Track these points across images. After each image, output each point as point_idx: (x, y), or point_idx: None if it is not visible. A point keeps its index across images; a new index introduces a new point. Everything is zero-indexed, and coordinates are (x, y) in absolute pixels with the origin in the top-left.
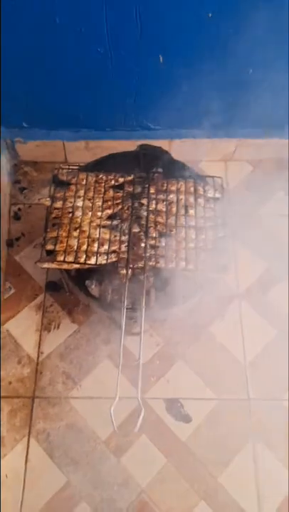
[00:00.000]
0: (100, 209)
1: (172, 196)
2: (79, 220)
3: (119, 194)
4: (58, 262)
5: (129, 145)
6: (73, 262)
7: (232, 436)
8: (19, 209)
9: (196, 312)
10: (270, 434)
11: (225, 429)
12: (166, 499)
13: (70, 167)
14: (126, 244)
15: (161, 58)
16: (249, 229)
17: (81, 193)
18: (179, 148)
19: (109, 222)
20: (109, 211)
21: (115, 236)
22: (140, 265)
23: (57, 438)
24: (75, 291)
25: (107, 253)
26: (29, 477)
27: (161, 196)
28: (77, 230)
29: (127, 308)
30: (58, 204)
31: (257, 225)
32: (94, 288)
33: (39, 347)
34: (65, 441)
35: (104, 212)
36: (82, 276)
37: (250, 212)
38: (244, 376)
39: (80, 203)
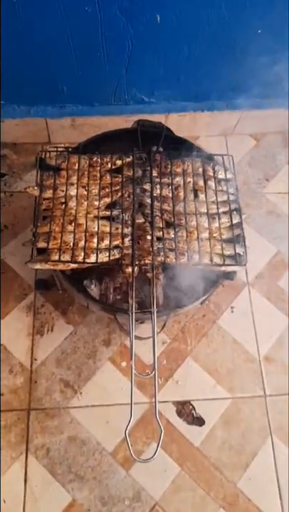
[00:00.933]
0: (97, 197)
1: (178, 179)
2: (73, 211)
3: (118, 179)
4: (53, 261)
5: (120, 121)
6: (70, 261)
7: (249, 437)
8: None
9: (204, 305)
10: None
11: (241, 430)
12: (182, 510)
13: (58, 149)
14: (130, 237)
15: (158, 18)
16: (253, 209)
17: (74, 179)
18: (176, 123)
19: (108, 213)
20: (108, 200)
21: (116, 228)
22: (148, 261)
23: (58, 453)
24: (71, 292)
25: (109, 249)
26: (30, 499)
27: (165, 180)
28: (73, 224)
29: (135, 312)
30: (48, 193)
31: (262, 205)
32: (94, 288)
33: (32, 353)
34: (68, 456)
35: (102, 201)
36: (79, 275)
37: (253, 191)
38: (259, 371)
39: (73, 192)
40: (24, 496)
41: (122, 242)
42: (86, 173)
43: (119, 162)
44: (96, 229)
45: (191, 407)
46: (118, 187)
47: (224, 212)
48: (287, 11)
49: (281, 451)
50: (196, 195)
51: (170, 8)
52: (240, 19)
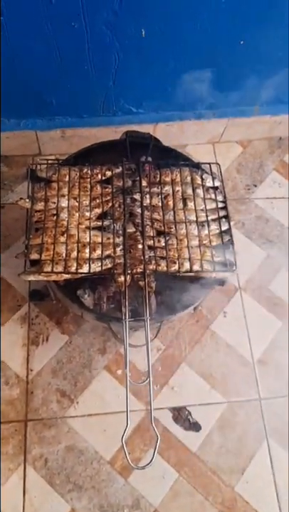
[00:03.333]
0: (88, 208)
1: (167, 188)
2: (65, 222)
3: (108, 190)
4: (46, 273)
5: (109, 132)
6: (63, 272)
7: (245, 440)
8: None
9: (197, 311)
10: (286, 434)
11: (237, 434)
12: None
13: (49, 161)
14: (121, 247)
15: (143, 32)
16: (242, 215)
17: (65, 191)
18: (164, 133)
19: (99, 223)
20: (99, 210)
21: (108, 238)
22: (139, 270)
23: (56, 463)
24: (65, 302)
25: (101, 259)
26: (29, 510)
27: (155, 189)
28: (65, 235)
29: (128, 321)
30: (40, 205)
31: (250, 210)
32: (87, 298)
33: (28, 364)
34: (66, 466)
35: (93, 212)
36: (72, 285)
37: (242, 197)
38: (253, 375)
39: (64, 203)
40: (23, 508)
41: (114, 252)
42: (77, 184)
43: (109, 173)
44: (88, 239)
45: (187, 412)
46: (109, 197)
47: (213, 220)
48: (266, 24)
49: (277, 453)
50: (185, 204)
51: (155, 23)
52: (222, 31)
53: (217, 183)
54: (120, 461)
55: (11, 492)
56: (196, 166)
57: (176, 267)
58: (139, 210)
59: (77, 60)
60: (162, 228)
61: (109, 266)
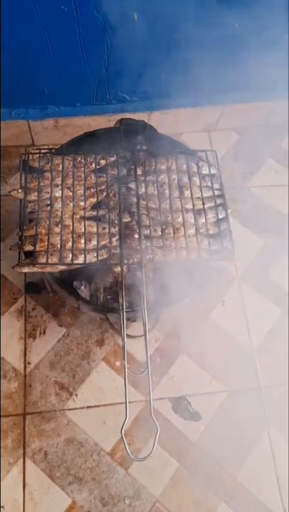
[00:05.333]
0: (83, 198)
1: (163, 177)
2: (59, 213)
3: (103, 179)
4: (40, 264)
5: (103, 121)
6: (58, 263)
7: (246, 429)
8: None
9: (195, 300)
10: (286, 422)
11: (237, 423)
12: (183, 506)
13: (41, 151)
14: (117, 237)
15: (135, 16)
16: (239, 203)
17: (58, 180)
18: (159, 121)
19: (94, 213)
20: (94, 200)
21: (104, 228)
22: (136, 260)
23: (56, 456)
24: (61, 294)
25: (97, 249)
26: (29, 504)
27: (150, 178)
28: (59, 225)
29: (125, 311)
30: (33, 196)
31: (247, 199)
32: (84, 289)
33: (25, 357)
34: (66, 458)
35: (87, 202)
36: (68, 276)
37: (239, 185)
38: (252, 363)
39: (58, 193)
40: (24, 501)
41: (110, 242)
42: (70, 173)
43: (103, 162)
44: (83, 230)
45: (186, 402)
46: (103, 187)
47: (210, 208)
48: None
49: (278, 441)
50: (181, 192)
51: (147, 6)
52: (217, 16)
53: (213, 171)
54: (120, 453)
55: (11, 486)
56: (192, 154)
57: (172, 255)
58: (134, 199)
59: (69, 46)
60: (158, 217)
61: (105, 256)
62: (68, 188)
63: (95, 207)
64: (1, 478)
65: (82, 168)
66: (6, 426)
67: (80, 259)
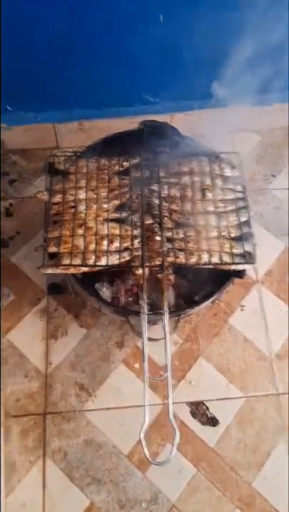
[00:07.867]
0: (106, 200)
1: (186, 179)
2: (83, 215)
3: (126, 181)
4: (64, 266)
5: (125, 123)
6: (81, 265)
7: (263, 436)
8: (10, 204)
9: (214, 304)
10: None
11: (255, 429)
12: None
13: (66, 153)
14: (139, 239)
15: (161, 18)
16: (261, 206)
17: (82, 183)
18: (182, 122)
19: (117, 215)
20: (117, 202)
21: (126, 230)
22: (158, 262)
23: (75, 456)
24: (83, 295)
25: (119, 251)
26: (48, 503)
27: (173, 180)
28: (83, 227)
29: (146, 314)
30: (57, 198)
31: (269, 201)
32: (105, 291)
33: (47, 357)
34: (85, 459)
35: (110, 204)
36: (90, 278)
37: (260, 188)
38: (271, 369)
39: (82, 195)
40: (43, 500)
41: (132, 244)
42: (94, 176)
43: (126, 164)
44: (106, 232)
45: (204, 407)
46: (126, 189)
47: (232, 211)
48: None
49: None
50: (203, 194)
51: (173, 8)
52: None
53: (236, 173)
54: (138, 455)
55: (31, 485)
56: (215, 156)
57: (194, 259)
58: (157, 201)
59: (93, 50)
60: (180, 219)
61: (128, 258)
62: (92, 191)
63: (118, 209)
64: (21, 478)
65: (106, 171)
66: (27, 425)
67: (103, 261)
